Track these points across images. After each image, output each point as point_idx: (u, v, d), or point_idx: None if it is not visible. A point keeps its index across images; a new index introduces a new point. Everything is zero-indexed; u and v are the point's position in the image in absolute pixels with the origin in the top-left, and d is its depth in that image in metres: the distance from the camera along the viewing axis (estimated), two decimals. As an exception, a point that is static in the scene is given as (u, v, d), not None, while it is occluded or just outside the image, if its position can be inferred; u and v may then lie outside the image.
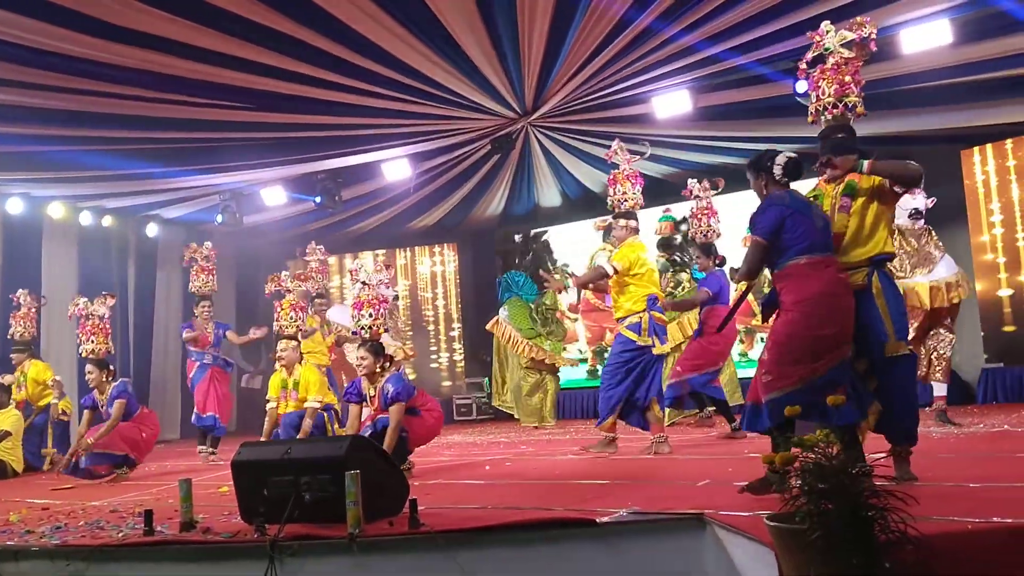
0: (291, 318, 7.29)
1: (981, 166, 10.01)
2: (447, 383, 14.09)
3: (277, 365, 7.14)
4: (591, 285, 7.07)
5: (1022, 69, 8.14)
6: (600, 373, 6.70)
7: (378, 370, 5.87)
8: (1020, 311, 9.55)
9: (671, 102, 9.09)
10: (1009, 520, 2.69)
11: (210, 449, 8.68)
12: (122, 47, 7.05)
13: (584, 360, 12.68)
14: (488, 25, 7.45)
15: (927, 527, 2.51)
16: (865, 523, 2.35)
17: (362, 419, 5.98)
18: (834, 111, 4.16)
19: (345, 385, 6.79)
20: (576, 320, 12.65)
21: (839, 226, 4.02)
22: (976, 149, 10.03)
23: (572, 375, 12.53)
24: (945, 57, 7.92)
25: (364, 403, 5.97)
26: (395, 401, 5.61)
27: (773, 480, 2.68)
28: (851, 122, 4.19)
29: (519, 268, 12.32)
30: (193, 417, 8.90)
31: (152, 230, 12.60)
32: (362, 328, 6.08)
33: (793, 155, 4.00)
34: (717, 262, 7.63)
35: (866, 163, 3.97)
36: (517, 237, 13.77)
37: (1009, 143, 9.80)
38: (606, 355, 7.20)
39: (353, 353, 9.02)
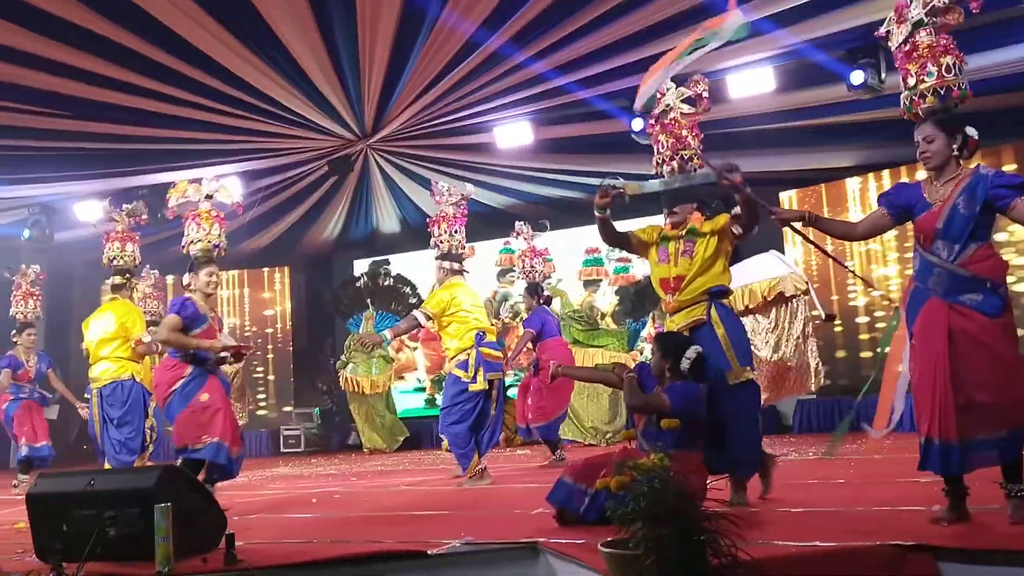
0: (118, 248, 7.25)
1: (798, 207, 10.63)
2: (274, 412, 13.47)
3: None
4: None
5: (835, 118, 8.74)
6: (440, 405, 6.51)
7: None
8: (827, 349, 10.11)
9: (512, 132, 9.20)
10: (830, 544, 2.81)
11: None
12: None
13: (422, 388, 12.53)
14: (327, 41, 7.29)
15: (756, 551, 2.55)
16: (698, 547, 2.34)
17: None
18: (672, 163, 4.31)
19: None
20: (416, 349, 12.51)
21: (682, 269, 4.13)
22: (794, 192, 10.66)
23: (409, 404, 12.36)
24: (769, 103, 8.40)
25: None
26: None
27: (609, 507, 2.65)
28: (689, 173, 4.35)
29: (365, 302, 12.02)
30: (25, 450, 8.28)
31: (-52, 244, 11.49)
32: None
33: (700, 351, 3.90)
34: (541, 301, 7.78)
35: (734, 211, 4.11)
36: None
37: (823, 187, 10.49)
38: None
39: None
